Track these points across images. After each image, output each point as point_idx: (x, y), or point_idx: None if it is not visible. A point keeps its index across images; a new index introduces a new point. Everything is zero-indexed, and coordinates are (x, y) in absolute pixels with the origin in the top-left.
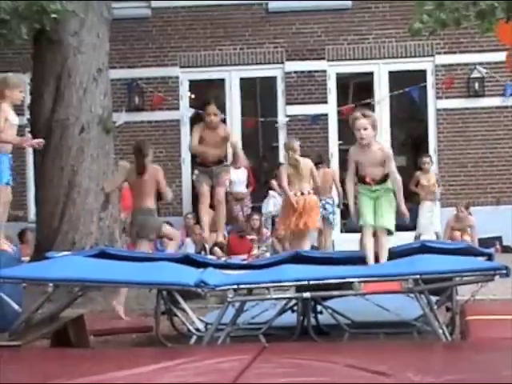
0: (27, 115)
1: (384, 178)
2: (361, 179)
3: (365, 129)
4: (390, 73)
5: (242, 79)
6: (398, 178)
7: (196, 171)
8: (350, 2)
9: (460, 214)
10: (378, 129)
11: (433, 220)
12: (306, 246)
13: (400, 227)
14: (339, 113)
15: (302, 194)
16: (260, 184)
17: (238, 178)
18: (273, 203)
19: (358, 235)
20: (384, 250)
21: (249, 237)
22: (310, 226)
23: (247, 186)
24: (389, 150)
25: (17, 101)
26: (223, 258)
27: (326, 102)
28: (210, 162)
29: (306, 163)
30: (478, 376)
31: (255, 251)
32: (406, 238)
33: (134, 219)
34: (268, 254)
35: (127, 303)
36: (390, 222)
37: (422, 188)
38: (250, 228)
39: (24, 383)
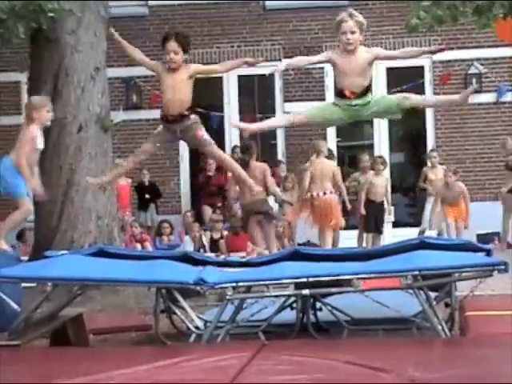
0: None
1: (366, 91)
2: (338, 93)
3: (352, 32)
4: (388, 69)
5: (239, 76)
6: None
7: (159, 127)
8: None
9: (449, 181)
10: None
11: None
12: (328, 244)
13: (405, 223)
14: None
15: (324, 193)
16: None
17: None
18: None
19: (356, 232)
20: None
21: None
22: (335, 227)
23: None
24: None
25: (46, 121)
26: (222, 256)
27: (323, 99)
28: (172, 115)
29: (330, 164)
30: (477, 371)
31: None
32: (410, 234)
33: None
34: (267, 252)
35: (127, 302)
36: None
37: (430, 183)
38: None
39: (24, 383)
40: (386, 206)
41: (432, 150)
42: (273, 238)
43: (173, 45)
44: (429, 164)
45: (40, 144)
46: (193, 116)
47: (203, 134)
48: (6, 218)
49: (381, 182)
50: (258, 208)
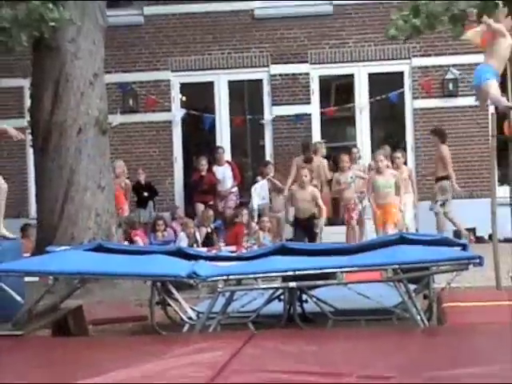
0: (27, 118)
1: None
2: None
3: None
4: (370, 75)
5: (230, 82)
6: None
7: None
8: (331, 9)
9: (380, 165)
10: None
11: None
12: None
13: None
14: (322, 113)
15: None
16: (247, 180)
17: (223, 174)
18: (258, 197)
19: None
20: None
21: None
22: None
23: (234, 180)
24: None
25: None
26: (213, 251)
27: (309, 103)
28: None
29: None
30: (453, 357)
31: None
32: None
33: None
34: (256, 247)
35: (124, 295)
36: None
37: None
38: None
39: (27, 370)
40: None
41: (396, 151)
42: None
43: None
44: (394, 165)
45: None
46: None
47: None
48: None
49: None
50: None
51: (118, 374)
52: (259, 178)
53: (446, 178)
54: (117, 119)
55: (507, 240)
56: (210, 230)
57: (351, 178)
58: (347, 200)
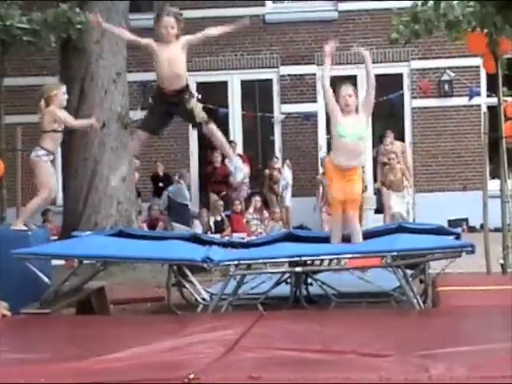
0: None
1: None
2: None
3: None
4: None
5: (242, 81)
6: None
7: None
8: (337, 15)
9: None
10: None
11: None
12: None
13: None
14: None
15: None
16: (258, 172)
17: (235, 165)
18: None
19: None
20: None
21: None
22: None
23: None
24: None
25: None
26: (226, 237)
27: (315, 101)
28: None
29: None
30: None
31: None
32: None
33: None
34: (264, 233)
35: (143, 277)
36: None
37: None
38: (253, 207)
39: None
40: None
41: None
42: None
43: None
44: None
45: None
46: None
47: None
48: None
49: None
50: None
51: (137, 349)
52: (267, 171)
53: None
54: (137, 115)
55: (497, 229)
56: (219, 219)
57: None
58: None
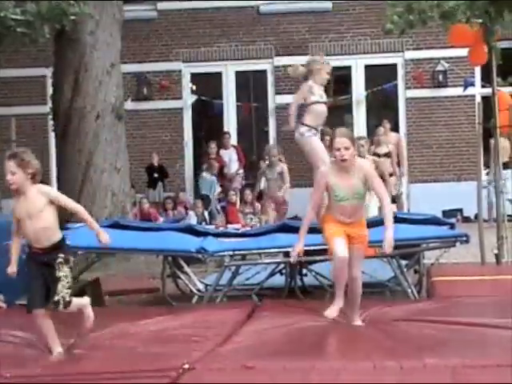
0: (50, 105)
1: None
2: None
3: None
4: (366, 66)
5: (236, 72)
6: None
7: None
8: (331, 5)
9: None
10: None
11: None
12: None
13: None
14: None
15: None
16: (252, 163)
17: (229, 158)
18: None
19: None
20: None
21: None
22: None
23: (239, 163)
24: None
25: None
26: (220, 228)
27: None
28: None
29: None
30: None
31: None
32: None
33: None
34: (258, 225)
35: (138, 268)
36: None
37: None
38: (243, 202)
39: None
40: None
41: (359, 138)
42: None
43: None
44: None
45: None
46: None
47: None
48: None
49: None
50: None
51: (132, 340)
52: (263, 163)
53: None
54: (127, 105)
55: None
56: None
57: None
58: None
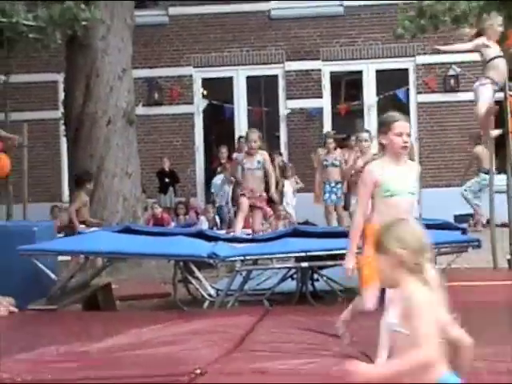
0: (61, 110)
1: None
2: None
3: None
4: (377, 71)
5: (247, 77)
6: None
7: None
8: (342, 10)
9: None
10: None
11: None
12: None
13: None
14: (333, 107)
15: None
16: None
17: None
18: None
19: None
20: None
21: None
22: None
23: None
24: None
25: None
26: (231, 233)
27: (321, 97)
28: None
29: None
30: None
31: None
32: None
33: None
34: (270, 230)
35: (149, 273)
36: None
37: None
38: None
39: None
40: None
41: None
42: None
43: None
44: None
45: None
46: None
47: None
48: None
49: None
50: None
51: (144, 344)
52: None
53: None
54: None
55: (504, 225)
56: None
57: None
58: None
